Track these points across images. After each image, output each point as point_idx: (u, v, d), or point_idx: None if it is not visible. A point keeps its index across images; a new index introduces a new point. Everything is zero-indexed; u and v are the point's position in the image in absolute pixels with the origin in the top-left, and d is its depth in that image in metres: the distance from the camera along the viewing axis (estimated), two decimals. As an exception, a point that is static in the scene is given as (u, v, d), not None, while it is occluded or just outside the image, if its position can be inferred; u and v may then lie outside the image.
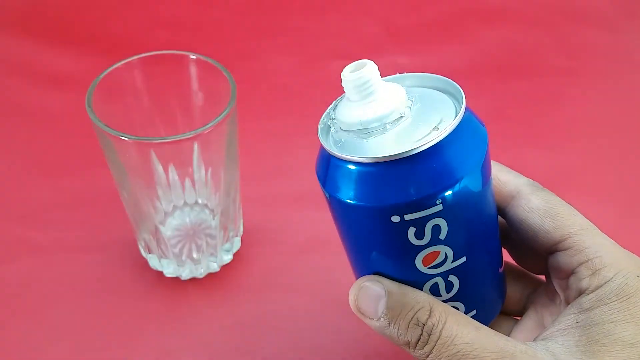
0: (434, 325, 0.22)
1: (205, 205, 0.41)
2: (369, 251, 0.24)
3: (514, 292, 0.29)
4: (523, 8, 0.67)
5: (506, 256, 0.28)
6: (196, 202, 0.41)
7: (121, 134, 0.31)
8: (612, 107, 0.55)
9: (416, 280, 0.23)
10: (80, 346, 0.36)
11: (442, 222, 0.22)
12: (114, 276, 0.40)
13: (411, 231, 0.22)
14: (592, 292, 0.22)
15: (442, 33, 0.63)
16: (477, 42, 0.62)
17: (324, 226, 0.43)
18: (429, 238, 0.22)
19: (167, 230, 0.39)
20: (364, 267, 0.25)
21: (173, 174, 0.38)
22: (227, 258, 0.40)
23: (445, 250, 0.22)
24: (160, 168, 0.37)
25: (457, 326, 0.22)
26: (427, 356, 0.22)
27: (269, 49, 0.58)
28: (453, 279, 0.23)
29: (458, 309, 0.24)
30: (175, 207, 0.40)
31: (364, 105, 0.22)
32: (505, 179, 0.26)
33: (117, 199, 0.44)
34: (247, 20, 0.62)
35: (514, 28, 0.64)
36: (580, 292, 0.23)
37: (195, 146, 0.34)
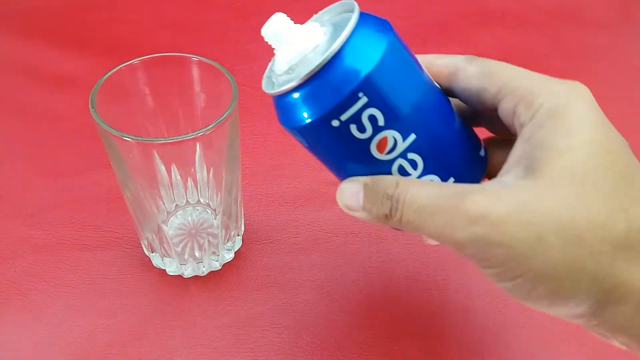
0: (399, 194, 0.24)
1: (207, 205, 0.41)
2: (336, 161, 0.27)
3: (500, 160, 0.29)
4: (521, 10, 0.67)
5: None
6: (198, 202, 0.41)
7: (124, 135, 0.31)
8: (610, 109, 0.55)
9: (382, 169, 0.26)
10: (83, 344, 0.37)
11: (374, 111, 0.24)
12: (118, 274, 0.40)
13: (353, 128, 0.24)
14: (530, 121, 0.24)
15: (440, 35, 0.63)
16: (475, 43, 0.62)
17: (324, 225, 0.44)
18: (371, 128, 0.24)
19: (170, 229, 0.39)
20: (341, 176, 0.28)
21: (175, 174, 0.39)
22: (229, 256, 0.41)
23: (392, 134, 0.25)
24: (162, 168, 0.38)
25: (419, 188, 0.24)
26: (400, 221, 0.24)
27: (270, 50, 0.59)
28: (413, 156, 0.26)
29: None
30: (177, 207, 0.41)
31: (286, 49, 0.25)
32: (442, 62, 0.28)
33: (120, 198, 0.45)
34: (249, 23, 0.63)
35: (512, 30, 0.64)
36: (522, 127, 0.24)
37: (198, 146, 0.34)
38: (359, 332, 0.38)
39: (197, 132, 0.32)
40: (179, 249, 0.39)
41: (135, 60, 0.35)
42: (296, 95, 0.25)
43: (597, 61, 0.60)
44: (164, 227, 0.38)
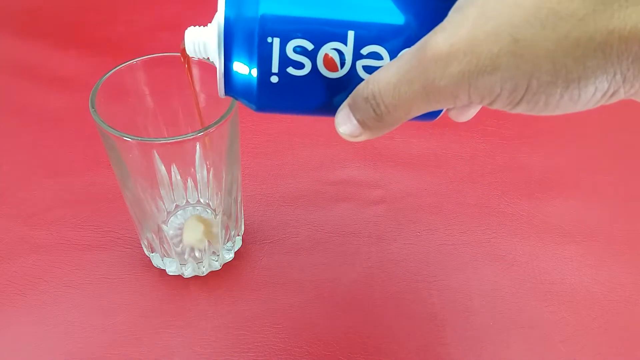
0: (372, 89, 0.23)
1: (207, 205, 0.41)
2: (312, 105, 0.26)
3: None
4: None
5: None
6: (198, 202, 0.41)
7: (124, 135, 0.31)
8: (609, 108, 0.55)
9: (353, 82, 0.25)
10: (83, 344, 0.37)
11: (294, 42, 0.24)
12: (118, 274, 0.40)
13: (292, 70, 0.24)
14: None
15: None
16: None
17: (324, 225, 0.44)
18: (307, 58, 0.24)
19: (170, 229, 0.39)
20: (333, 113, 0.26)
21: (175, 174, 0.39)
22: (229, 256, 0.41)
23: (330, 48, 0.24)
24: (163, 168, 0.38)
25: (385, 72, 0.23)
26: (389, 113, 0.23)
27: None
28: (368, 49, 0.24)
29: None
30: (177, 207, 0.41)
31: (212, 52, 0.26)
32: None
33: (120, 198, 0.45)
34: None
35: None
36: None
37: (198, 147, 0.34)
38: (359, 332, 0.38)
39: (197, 132, 0.32)
40: (179, 249, 0.39)
41: (135, 60, 0.35)
42: (231, 82, 0.25)
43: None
44: (164, 227, 0.38)
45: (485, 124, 0.53)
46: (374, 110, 0.24)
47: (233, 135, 0.35)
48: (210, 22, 0.27)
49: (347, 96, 0.25)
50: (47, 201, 0.45)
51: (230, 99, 0.33)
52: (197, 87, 0.37)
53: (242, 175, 0.47)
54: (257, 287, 0.40)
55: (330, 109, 0.26)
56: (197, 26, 0.27)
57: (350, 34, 0.24)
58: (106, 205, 0.44)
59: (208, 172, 0.39)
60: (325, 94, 0.25)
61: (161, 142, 0.32)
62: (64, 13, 0.64)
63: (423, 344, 0.37)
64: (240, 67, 0.24)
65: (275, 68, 0.24)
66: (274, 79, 0.24)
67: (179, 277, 0.40)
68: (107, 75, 0.34)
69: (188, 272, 0.40)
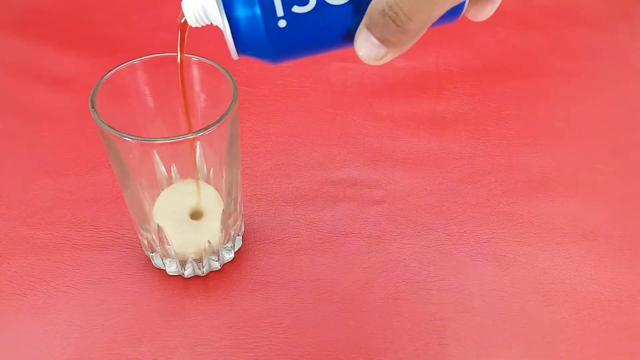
0: (386, 1, 0.23)
1: (207, 205, 0.41)
2: (327, 39, 0.25)
3: None
4: (520, 10, 0.67)
5: None
6: (198, 202, 0.41)
7: (124, 135, 0.31)
8: (609, 108, 0.55)
9: (363, 3, 0.24)
10: (83, 344, 0.37)
11: None
12: (118, 274, 0.40)
13: (298, 8, 0.23)
14: None
15: (439, 34, 0.63)
16: (474, 43, 0.62)
17: (324, 225, 0.44)
18: None
19: (170, 229, 0.39)
20: (350, 42, 0.26)
21: (175, 174, 0.39)
22: (229, 256, 0.41)
23: None
24: (163, 168, 0.38)
25: None
26: (410, 20, 0.23)
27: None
28: None
29: None
30: (177, 207, 0.41)
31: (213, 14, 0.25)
32: None
33: (120, 198, 0.45)
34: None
35: (511, 30, 0.64)
36: None
37: (198, 147, 0.34)
38: (359, 332, 0.38)
39: (197, 132, 0.32)
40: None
41: (135, 60, 0.35)
42: (241, 39, 0.24)
43: (597, 61, 0.60)
44: (164, 227, 0.38)
45: (485, 124, 0.53)
46: (394, 22, 0.23)
47: (233, 135, 0.35)
48: None
49: (361, 19, 0.24)
50: (47, 201, 0.45)
51: (230, 99, 0.33)
52: (197, 88, 0.37)
53: (242, 175, 0.47)
54: (257, 287, 0.40)
55: (347, 38, 0.25)
56: None
57: None
58: (106, 205, 0.44)
59: (208, 172, 0.39)
60: (338, 24, 0.24)
61: (161, 142, 0.32)
62: (64, 13, 0.64)
63: (423, 344, 0.37)
64: (246, 22, 0.24)
65: (280, 11, 0.23)
66: (282, 23, 0.24)
67: (179, 277, 0.40)
68: (107, 75, 0.34)
69: (188, 272, 0.40)
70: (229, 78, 0.34)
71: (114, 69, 0.35)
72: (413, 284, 0.40)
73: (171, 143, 0.32)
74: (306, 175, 0.48)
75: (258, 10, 0.23)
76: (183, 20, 0.27)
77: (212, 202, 0.39)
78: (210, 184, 0.39)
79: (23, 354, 0.36)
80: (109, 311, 0.38)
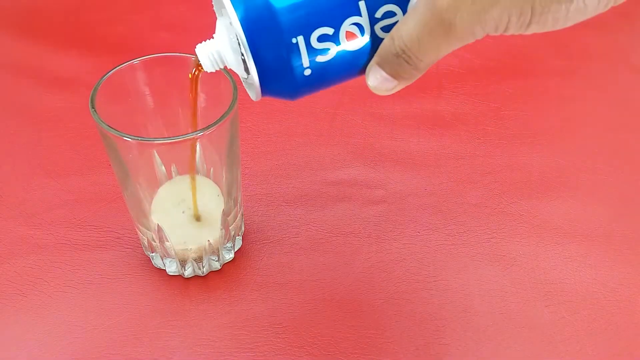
0: (397, 44, 0.25)
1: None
2: (342, 78, 0.27)
3: None
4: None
5: None
6: (198, 202, 0.41)
7: (124, 135, 0.31)
8: (608, 108, 0.55)
9: (375, 44, 0.26)
10: (83, 344, 0.37)
11: (317, 32, 0.25)
12: (118, 274, 0.40)
13: (321, 58, 0.25)
14: None
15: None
16: (474, 43, 0.62)
17: (324, 225, 0.44)
18: (330, 41, 0.25)
19: (170, 229, 0.39)
20: (355, 76, 0.28)
21: (175, 174, 0.39)
22: (229, 256, 0.41)
23: (349, 24, 0.25)
24: (163, 168, 0.38)
25: (405, 26, 0.25)
26: (420, 60, 0.25)
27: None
28: (382, 10, 0.26)
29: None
30: (177, 207, 0.41)
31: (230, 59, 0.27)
32: None
33: (120, 198, 0.45)
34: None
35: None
36: None
37: (198, 146, 0.34)
38: (359, 332, 0.38)
39: (197, 132, 0.32)
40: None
41: (135, 60, 0.35)
42: (267, 87, 0.26)
43: (597, 61, 0.60)
44: (164, 227, 0.38)
45: (485, 124, 0.53)
46: (407, 62, 0.26)
47: (233, 135, 0.35)
48: (215, 32, 0.28)
49: (372, 56, 0.27)
50: (47, 201, 0.45)
51: (230, 99, 0.33)
52: (197, 88, 0.37)
53: (242, 175, 0.47)
54: (257, 287, 0.40)
55: (360, 73, 0.28)
56: (204, 41, 0.28)
57: (362, 4, 0.25)
58: (106, 205, 0.44)
59: (208, 172, 0.39)
60: (353, 64, 0.27)
61: (161, 142, 0.32)
62: (64, 13, 0.64)
63: (423, 344, 0.37)
64: (274, 73, 0.25)
65: (306, 63, 0.25)
66: (307, 72, 0.26)
67: (179, 277, 0.40)
68: (107, 75, 0.34)
69: (188, 272, 0.40)
70: (229, 78, 0.34)
71: (114, 69, 0.35)
72: (413, 284, 0.40)
73: (171, 143, 0.32)
74: (306, 175, 0.48)
75: (287, 64, 0.25)
76: (196, 69, 0.30)
77: (212, 200, 0.39)
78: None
79: (23, 354, 0.36)
80: (109, 311, 0.38)
